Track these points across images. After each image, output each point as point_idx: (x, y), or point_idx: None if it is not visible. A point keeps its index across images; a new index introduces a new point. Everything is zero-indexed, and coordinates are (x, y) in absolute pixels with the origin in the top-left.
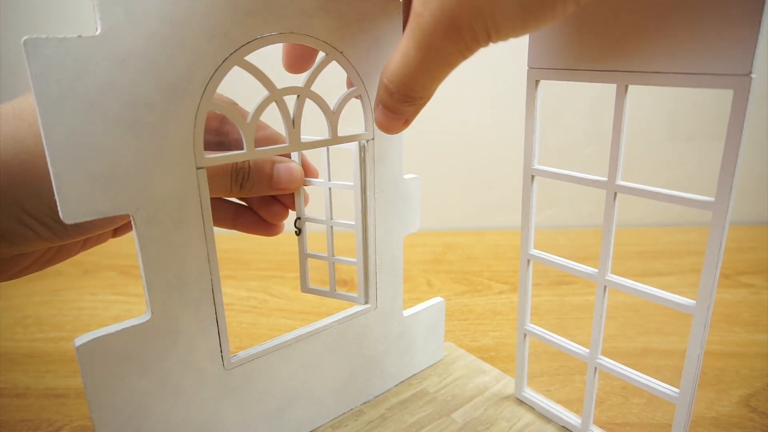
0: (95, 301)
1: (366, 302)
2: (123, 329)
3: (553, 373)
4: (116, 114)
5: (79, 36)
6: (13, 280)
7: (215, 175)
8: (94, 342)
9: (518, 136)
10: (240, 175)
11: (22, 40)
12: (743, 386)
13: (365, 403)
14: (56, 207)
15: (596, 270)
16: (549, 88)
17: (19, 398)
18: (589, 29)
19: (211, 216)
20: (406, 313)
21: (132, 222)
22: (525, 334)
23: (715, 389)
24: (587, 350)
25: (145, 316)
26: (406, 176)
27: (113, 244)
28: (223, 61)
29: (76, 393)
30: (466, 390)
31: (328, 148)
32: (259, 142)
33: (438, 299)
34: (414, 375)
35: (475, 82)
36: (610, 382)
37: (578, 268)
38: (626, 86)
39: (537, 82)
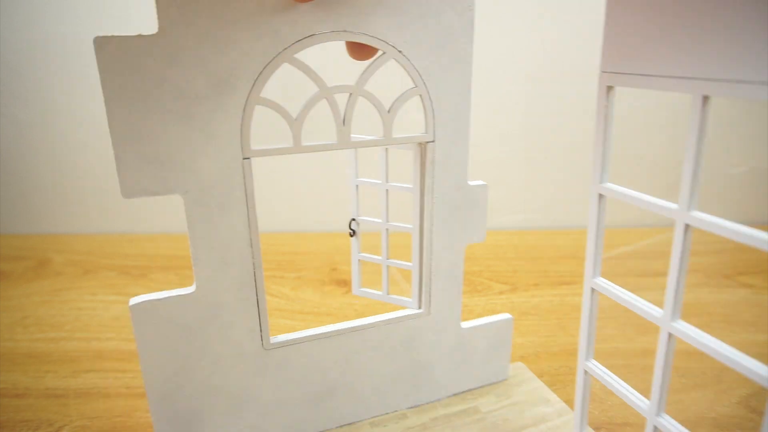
0: (95, 301)
1: (419, 307)
2: (170, 297)
3: (553, 372)
4: (169, 105)
5: (139, 35)
6: (12, 281)
7: None
8: (146, 304)
9: (518, 135)
10: None
11: (93, 37)
12: (743, 386)
13: (411, 407)
14: None
15: (662, 311)
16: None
17: (19, 398)
18: (674, 28)
19: (255, 204)
20: (465, 324)
21: (184, 202)
22: (585, 372)
23: (715, 389)
24: (648, 402)
25: (191, 288)
26: (472, 182)
27: (113, 244)
28: (273, 59)
29: (76, 393)
30: (522, 417)
31: (387, 149)
32: None
33: (505, 315)
34: (470, 390)
35: (474, 82)
36: None
37: (645, 308)
38: (705, 97)
39: (610, 88)
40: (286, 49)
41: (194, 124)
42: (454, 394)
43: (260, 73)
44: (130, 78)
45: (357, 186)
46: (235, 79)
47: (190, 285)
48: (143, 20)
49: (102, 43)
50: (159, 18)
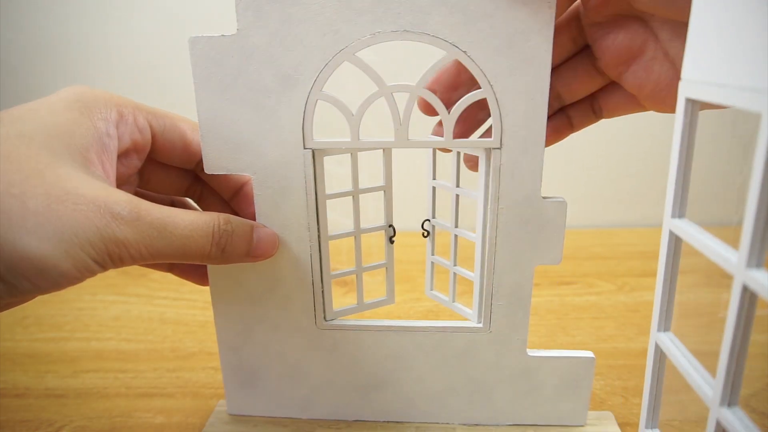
0: (95, 301)
1: (479, 322)
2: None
3: None
4: (243, 96)
5: (222, 35)
6: None
7: (194, 236)
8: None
9: None
10: (224, 239)
11: (189, 38)
12: (743, 386)
13: (463, 424)
14: (9, 260)
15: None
16: None
17: (19, 398)
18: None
19: (314, 191)
20: (533, 352)
21: (253, 181)
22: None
23: None
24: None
25: None
26: (549, 198)
27: None
28: (333, 57)
29: (76, 393)
30: None
31: (459, 153)
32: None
33: (585, 353)
34: (535, 425)
35: None
36: (611, 382)
37: None
38: None
39: (694, 103)
40: (346, 47)
41: (262, 114)
42: (515, 424)
43: (321, 70)
44: (214, 71)
45: (433, 188)
46: (298, 74)
47: (190, 285)
48: (142, 20)
49: (194, 42)
50: (237, 20)
